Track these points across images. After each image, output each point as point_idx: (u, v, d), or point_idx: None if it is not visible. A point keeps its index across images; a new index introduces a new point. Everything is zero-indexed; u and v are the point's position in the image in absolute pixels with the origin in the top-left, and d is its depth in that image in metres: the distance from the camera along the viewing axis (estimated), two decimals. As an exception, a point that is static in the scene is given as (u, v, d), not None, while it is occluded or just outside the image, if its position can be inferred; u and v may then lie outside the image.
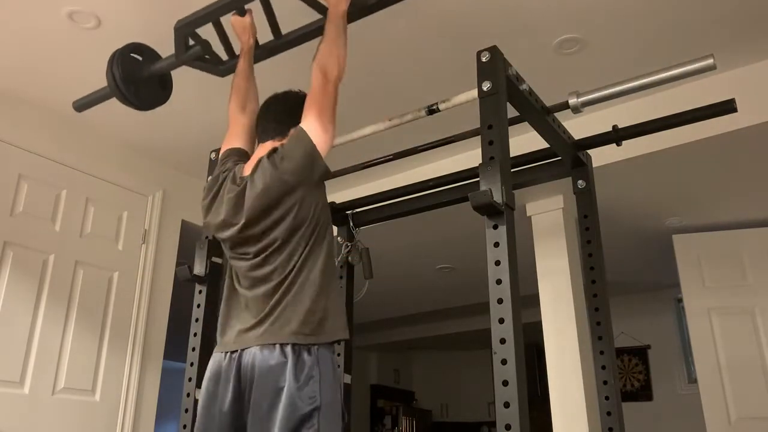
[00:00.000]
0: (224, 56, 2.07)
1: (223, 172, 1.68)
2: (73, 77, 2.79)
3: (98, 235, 3.17)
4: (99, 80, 2.81)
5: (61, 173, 3.08)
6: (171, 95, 2.22)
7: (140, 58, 2.09)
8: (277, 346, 1.46)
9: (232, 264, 1.65)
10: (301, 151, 1.54)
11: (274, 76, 2.09)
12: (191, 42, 1.98)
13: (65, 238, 3.03)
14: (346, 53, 1.69)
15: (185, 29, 1.92)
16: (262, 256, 1.55)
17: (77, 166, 3.14)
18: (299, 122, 1.60)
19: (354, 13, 1.83)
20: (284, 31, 1.99)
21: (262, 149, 1.67)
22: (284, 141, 1.62)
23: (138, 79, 2.07)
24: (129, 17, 2.39)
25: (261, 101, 1.82)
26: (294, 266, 1.53)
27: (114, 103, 2.99)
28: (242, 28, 1.95)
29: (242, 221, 1.56)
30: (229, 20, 1.94)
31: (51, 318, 2.90)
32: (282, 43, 2.01)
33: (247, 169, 1.63)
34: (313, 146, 1.54)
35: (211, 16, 1.88)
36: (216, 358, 1.57)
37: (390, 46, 2.55)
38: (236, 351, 1.51)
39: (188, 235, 3.59)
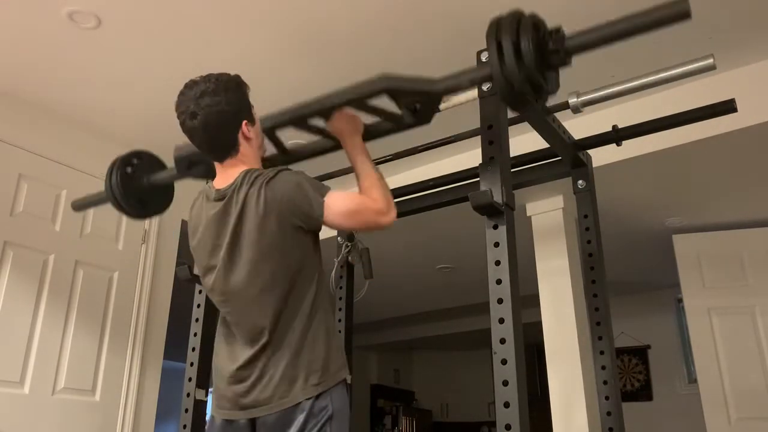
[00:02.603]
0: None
1: None
2: (73, 77, 2.79)
3: (98, 235, 3.17)
4: (98, 81, 2.83)
5: (61, 173, 3.07)
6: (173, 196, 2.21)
7: (138, 164, 2.10)
8: None
9: None
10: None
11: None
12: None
13: (65, 238, 3.03)
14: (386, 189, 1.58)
15: (184, 159, 1.91)
16: None
17: (77, 166, 3.14)
18: None
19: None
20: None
21: None
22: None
23: (139, 190, 2.08)
24: (129, 17, 2.39)
25: None
26: None
27: (113, 103, 3.01)
28: None
29: None
30: None
31: (51, 318, 2.90)
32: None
33: None
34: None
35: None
36: None
37: (389, 45, 2.55)
38: None
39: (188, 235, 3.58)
